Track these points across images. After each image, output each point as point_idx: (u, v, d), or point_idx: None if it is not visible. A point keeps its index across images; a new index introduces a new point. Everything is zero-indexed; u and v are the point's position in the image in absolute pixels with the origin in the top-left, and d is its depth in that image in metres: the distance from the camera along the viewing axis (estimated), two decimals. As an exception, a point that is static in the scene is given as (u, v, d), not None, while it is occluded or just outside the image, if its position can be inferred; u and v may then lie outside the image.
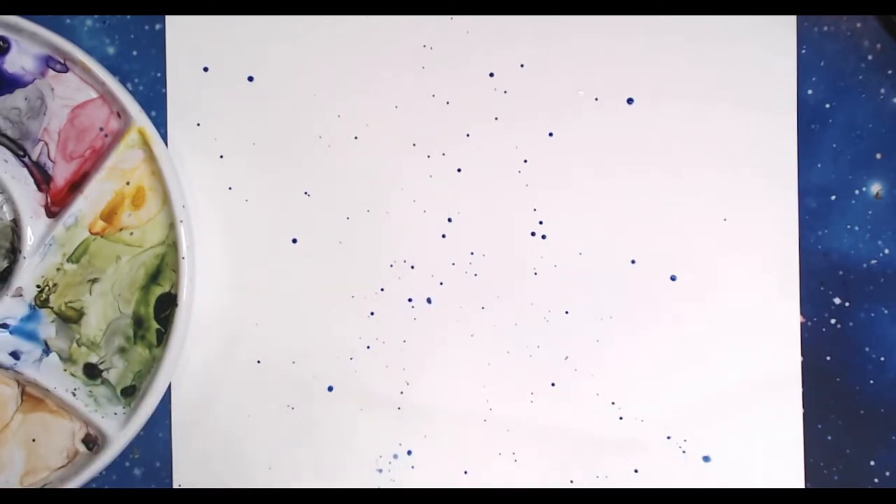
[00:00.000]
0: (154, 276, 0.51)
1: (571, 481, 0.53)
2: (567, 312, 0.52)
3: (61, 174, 0.51)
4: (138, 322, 0.51)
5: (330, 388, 0.52)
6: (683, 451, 0.52)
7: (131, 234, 0.51)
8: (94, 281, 0.51)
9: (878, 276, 0.52)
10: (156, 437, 0.53)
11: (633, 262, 0.52)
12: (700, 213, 0.52)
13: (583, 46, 0.52)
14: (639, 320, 0.52)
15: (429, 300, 0.52)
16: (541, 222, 0.52)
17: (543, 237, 0.52)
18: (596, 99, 0.52)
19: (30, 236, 0.51)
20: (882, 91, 0.52)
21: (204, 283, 0.52)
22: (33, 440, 0.52)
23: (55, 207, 0.51)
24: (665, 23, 0.52)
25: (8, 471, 0.52)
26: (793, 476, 0.52)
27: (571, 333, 0.52)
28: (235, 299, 0.53)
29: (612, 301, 0.52)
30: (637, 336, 0.52)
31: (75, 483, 0.50)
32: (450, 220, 0.52)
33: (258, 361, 0.52)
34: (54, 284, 0.51)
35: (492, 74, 0.52)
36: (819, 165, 0.52)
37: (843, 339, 0.52)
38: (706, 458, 0.52)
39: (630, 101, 0.52)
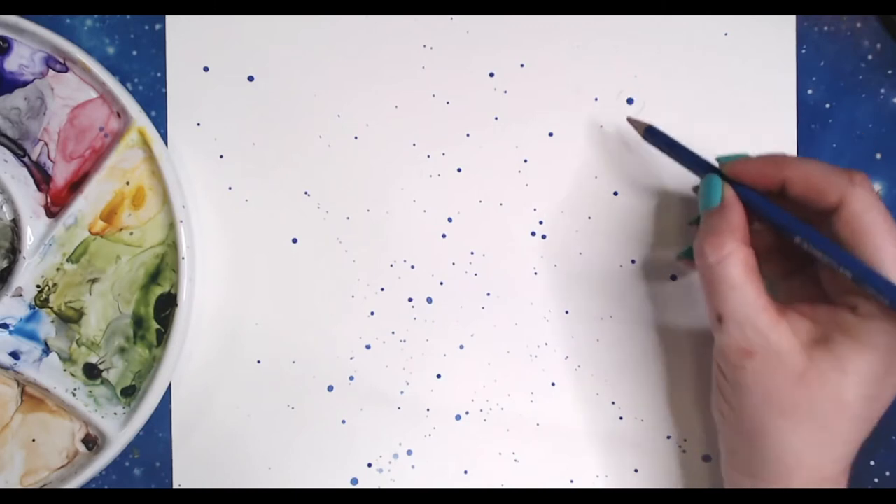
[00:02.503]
0: (154, 276, 0.51)
1: (571, 481, 0.53)
2: (567, 312, 0.52)
3: (61, 174, 0.51)
4: (138, 322, 0.51)
5: (330, 388, 0.52)
6: (683, 451, 0.52)
7: (131, 234, 0.51)
8: (94, 281, 0.51)
9: (878, 277, 0.52)
10: (156, 437, 0.53)
11: (633, 261, 0.52)
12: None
13: (583, 46, 0.52)
14: (639, 320, 0.52)
15: (429, 300, 0.52)
16: (541, 222, 0.52)
17: (543, 237, 0.52)
18: (596, 99, 0.52)
19: (30, 236, 0.51)
20: (882, 91, 0.52)
21: (204, 283, 0.52)
22: (33, 440, 0.52)
23: (55, 207, 0.51)
24: (665, 23, 0.52)
25: (8, 471, 0.52)
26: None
27: (571, 333, 0.52)
28: (235, 299, 0.53)
29: (612, 301, 0.52)
30: (637, 336, 0.52)
31: (75, 483, 0.50)
32: (450, 219, 0.52)
33: (258, 361, 0.52)
34: (54, 284, 0.51)
35: (492, 74, 0.52)
36: (819, 165, 0.52)
37: (843, 339, 0.52)
38: (706, 458, 0.52)
39: (630, 101, 0.52)
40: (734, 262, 0.43)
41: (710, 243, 0.43)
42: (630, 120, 0.50)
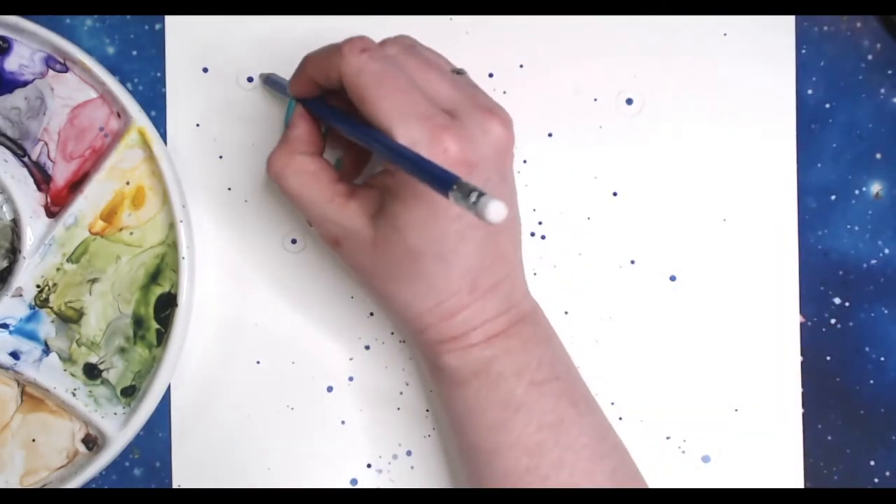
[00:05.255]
0: (154, 276, 0.51)
1: (571, 481, 0.52)
2: (567, 313, 0.52)
3: (61, 174, 0.51)
4: (138, 322, 0.52)
5: (329, 389, 0.52)
6: (683, 452, 0.52)
7: (131, 234, 0.51)
8: (94, 281, 0.51)
9: (878, 276, 0.52)
10: (156, 437, 0.53)
11: (632, 262, 0.52)
12: (700, 214, 0.52)
13: (582, 47, 0.52)
14: (638, 320, 0.52)
15: (428, 300, 0.52)
16: (540, 223, 0.52)
17: (543, 237, 0.52)
18: (595, 99, 0.52)
19: (30, 236, 0.51)
20: (882, 91, 0.52)
21: (204, 283, 0.52)
22: (33, 440, 0.52)
23: (55, 207, 0.51)
24: (665, 23, 0.52)
25: (8, 471, 0.52)
26: (793, 476, 0.52)
27: (571, 334, 0.52)
28: (235, 299, 0.53)
29: (612, 301, 0.52)
30: (637, 336, 0.52)
31: (75, 483, 0.50)
32: (449, 220, 0.52)
33: (258, 362, 0.52)
34: (54, 284, 0.51)
35: (491, 75, 0.52)
36: (819, 165, 0.52)
37: (843, 339, 0.52)
38: (706, 459, 0.52)
39: (629, 101, 0.52)
40: (288, 173, 0.46)
41: (269, 160, 0.46)
42: (261, 75, 0.52)
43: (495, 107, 0.45)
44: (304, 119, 0.47)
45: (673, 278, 0.52)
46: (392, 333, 0.52)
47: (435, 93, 0.43)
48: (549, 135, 0.52)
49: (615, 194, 0.52)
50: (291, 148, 0.46)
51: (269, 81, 0.51)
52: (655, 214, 0.52)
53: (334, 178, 0.46)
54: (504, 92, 0.52)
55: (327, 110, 0.46)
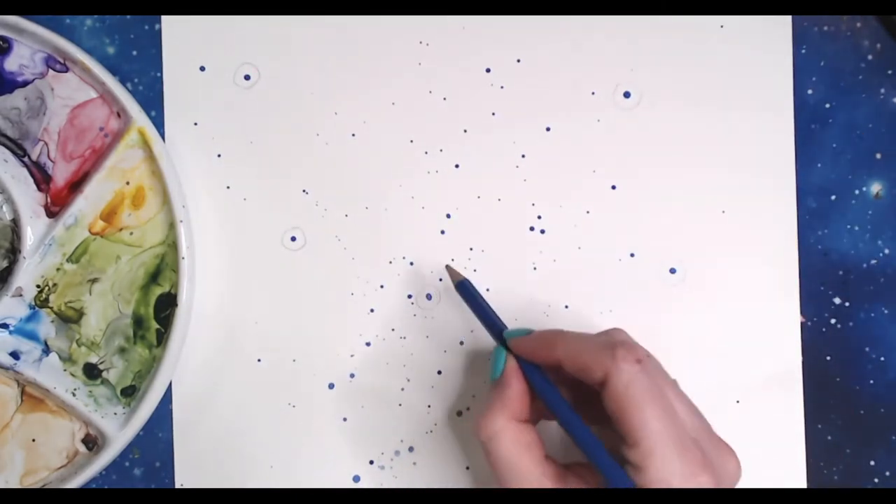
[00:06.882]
0: (154, 276, 0.51)
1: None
2: (567, 307, 0.52)
3: (61, 174, 0.51)
4: (138, 322, 0.52)
5: (331, 386, 0.52)
6: (684, 445, 0.52)
7: (131, 233, 0.51)
8: (94, 281, 0.51)
9: (878, 276, 0.52)
10: (156, 437, 0.53)
11: (632, 255, 0.52)
12: (699, 207, 0.52)
13: (579, 41, 0.52)
14: (639, 313, 0.52)
15: (428, 296, 0.52)
16: (539, 217, 0.52)
17: (542, 232, 0.52)
18: (593, 93, 0.52)
19: (30, 236, 0.51)
20: (882, 91, 0.52)
21: (204, 282, 0.52)
22: (33, 440, 0.52)
23: (55, 207, 0.51)
24: (662, 17, 0.52)
25: (8, 471, 0.52)
26: (794, 476, 0.52)
27: (571, 328, 0.52)
28: (235, 298, 0.53)
29: (612, 295, 0.52)
30: (637, 329, 0.52)
31: (75, 483, 0.50)
32: (448, 216, 0.52)
33: (258, 360, 0.52)
34: (54, 284, 0.51)
35: (488, 70, 0.52)
36: (819, 165, 0.52)
37: (843, 339, 0.52)
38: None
39: (627, 94, 0.52)
40: (502, 440, 0.43)
41: (481, 420, 0.44)
42: (448, 267, 0.50)
43: (723, 439, 0.44)
44: (518, 378, 0.45)
45: (673, 271, 0.52)
46: (393, 330, 0.52)
47: (680, 415, 0.42)
48: (547, 129, 0.52)
49: (614, 188, 0.52)
50: (508, 412, 0.44)
51: (463, 289, 0.49)
52: (654, 207, 0.52)
53: (544, 453, 0.44)
54: (501, 87, 0.52)
55: (541, 378, 0.45)
